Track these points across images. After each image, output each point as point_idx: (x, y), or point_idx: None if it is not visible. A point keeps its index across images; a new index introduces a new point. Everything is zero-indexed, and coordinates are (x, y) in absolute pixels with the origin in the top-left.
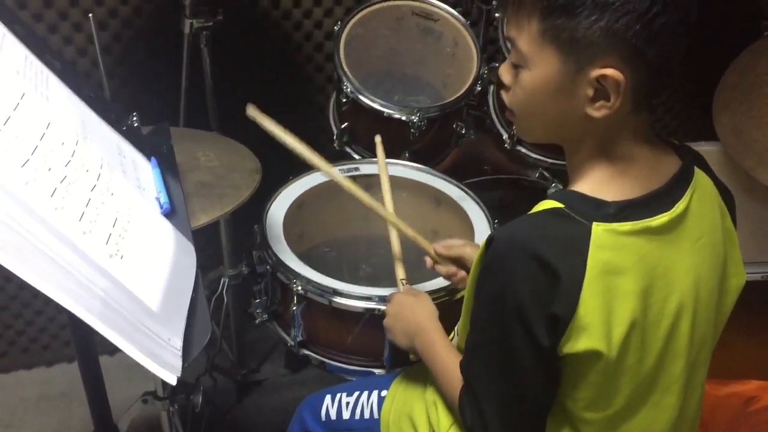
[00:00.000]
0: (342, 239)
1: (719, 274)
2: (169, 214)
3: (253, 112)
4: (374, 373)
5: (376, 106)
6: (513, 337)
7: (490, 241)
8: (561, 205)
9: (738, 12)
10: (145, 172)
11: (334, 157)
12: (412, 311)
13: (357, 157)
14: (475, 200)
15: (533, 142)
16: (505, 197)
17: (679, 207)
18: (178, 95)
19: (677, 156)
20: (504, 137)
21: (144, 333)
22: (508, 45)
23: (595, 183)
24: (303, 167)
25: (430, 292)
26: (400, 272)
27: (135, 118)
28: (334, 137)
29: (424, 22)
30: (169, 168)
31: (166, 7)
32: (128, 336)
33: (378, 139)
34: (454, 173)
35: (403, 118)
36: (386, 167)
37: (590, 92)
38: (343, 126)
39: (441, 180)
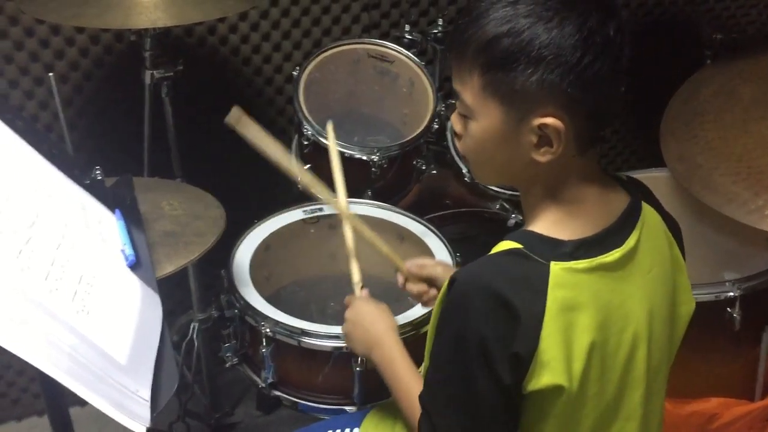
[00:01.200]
0: (309, 278)
1: (670, 303)
2: (134, 265)
3: (235, 118)
4: (345, 410)
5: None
6: (475, 375)
7: (452, 281)
8: (520, 246)
9: (682, 42)
10: (110, 225)
11: (298, 198)
12: (371, 321)
13: (321, 197)
14: (437, 235)
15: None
16: (467, 230)
17: (630, 242)
18: (141, 145)
19: (625, 191)
20: (464, 171)
21: (112, 386)
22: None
23: (550, 223)
24: (267, 210)
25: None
26: (356, 275)
27: (98, 172)
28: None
29: (380, 64)
30: (132, 219)
31: (127, 59)
32: (96, 389)
33: (329, 126)
34: (417, 209)
35: (364, 157)
36: (338, 157)
37: (534, 139)
38: (306, 168)
39: (403, 216)
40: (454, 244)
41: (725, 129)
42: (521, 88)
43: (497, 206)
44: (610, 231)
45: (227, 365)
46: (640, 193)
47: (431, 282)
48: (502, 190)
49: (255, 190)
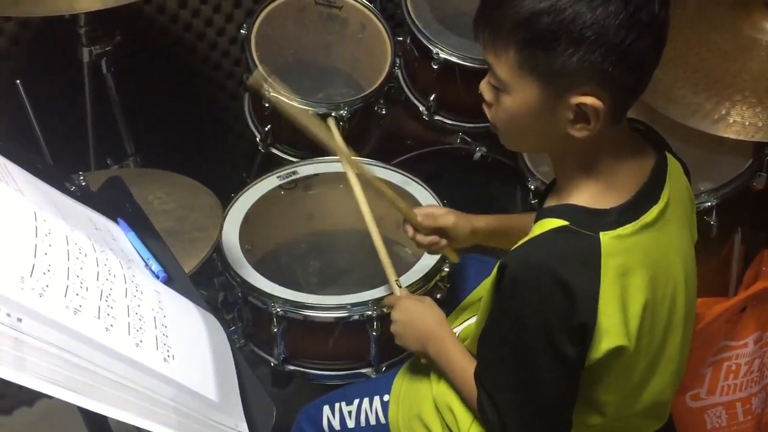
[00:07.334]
0: (287, 242)
1: (692, 242)
2: (168, 281)
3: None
4: (363, 373)
5: (299, 106)
6: (539, 359)
7: (502, 267)
8: (565, 222)
9: None
10: (122, 239)
11: (262, 161)
12: (421, 318)
13: (286, 157)
14: (419, 183)
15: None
16: (435, 169)
17: (665, 196)
18: (84, 128)
19: (650, 146)
20: (421, 109)
21: (215, 428)
22: (487, 64)
23: (590, 194)
24: (231, 177)
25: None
26: (392, 274)
27: (82, 178)
28: (258, 140)
29: (327, 11)
30: (143, 227)
31: (61, 39)
32: None
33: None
34: (381, 154)
35: (332, 113)
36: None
37: (570, 115)
38: (266, 129)
39: (380, 168)
40: (428, 184)
41: (676, 39)
42: (561, 67)
43: (458, 140)
44: (645, 189)
45: (236, 347)
46: (662, 143)
47: (442, 233)
48: (460, 123)
49: (214, 160)
